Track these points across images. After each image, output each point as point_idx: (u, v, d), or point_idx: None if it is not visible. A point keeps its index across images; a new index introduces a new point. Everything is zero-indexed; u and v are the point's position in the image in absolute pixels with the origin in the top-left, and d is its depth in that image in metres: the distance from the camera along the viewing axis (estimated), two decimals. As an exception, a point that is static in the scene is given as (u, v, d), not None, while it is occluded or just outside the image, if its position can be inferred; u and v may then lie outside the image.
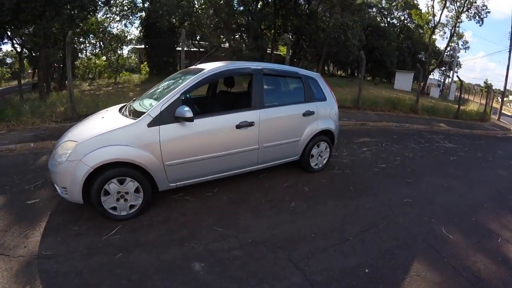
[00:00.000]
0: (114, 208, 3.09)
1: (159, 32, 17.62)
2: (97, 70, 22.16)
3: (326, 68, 30.56)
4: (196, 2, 18.41)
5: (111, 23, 21.08)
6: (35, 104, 8.66)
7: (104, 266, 2.47)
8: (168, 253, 2.67)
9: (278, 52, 24.99)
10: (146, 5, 18.49)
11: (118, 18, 19.61)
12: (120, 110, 3.78)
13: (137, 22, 22.06)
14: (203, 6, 18.28)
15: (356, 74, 30.48)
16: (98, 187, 2.93)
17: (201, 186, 3.81)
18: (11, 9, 8.74)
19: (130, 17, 19.96)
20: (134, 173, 3.07)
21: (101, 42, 24.29)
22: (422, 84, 22.38)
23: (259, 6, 18.13)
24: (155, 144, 3.10)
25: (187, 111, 3.11)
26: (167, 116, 3.17)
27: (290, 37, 19.81)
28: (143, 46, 23.64)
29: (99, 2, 13.10)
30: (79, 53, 22.13)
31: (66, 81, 17.83)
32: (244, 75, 4.37)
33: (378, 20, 34.20)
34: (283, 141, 4.13)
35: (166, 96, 3.25)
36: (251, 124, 3.69)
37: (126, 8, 18.59)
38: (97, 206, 3.01)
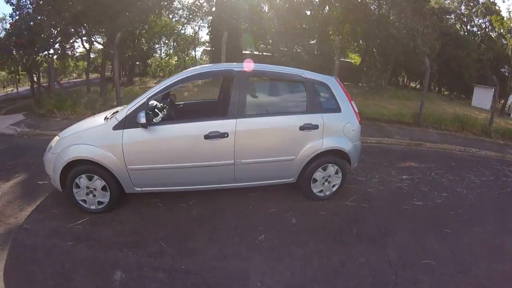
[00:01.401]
0: (85, 201, 3.30)
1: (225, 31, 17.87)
2: (168, 69, 23.44)
3: (399, 79, 27.30)
4: (262, 5, 18.16)
5: (184, 25, 22.23)
6: (93, 98, 9.58)
7: (54, 249, 2.75)
8: (104, 254, 2.71)
9: (347, 60, 23.42)
10: (213, 9, 18.95)
11: (185, 21, 20.52)
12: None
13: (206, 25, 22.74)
14: (268, 12, 18.02)
15: (432, 88, 26.73)
16: (70, 179, 3.19)
17: (180, 196, 3.63)
18: (74, 14, 9.85)
19: (198, 21, 20.78)
20: (101, 172, 3.18)
21: (175, 43, 25.90)
22: (500, 101, 18.37)
23: (326, 10, 17.15)
24: (118, 147, 3.12)
25: (141, 117, 2.98)
26: (131, 121, 3.12)
27: (361, 43, 18.37)
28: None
29: (157, 8, 13.66)
30: (153, 52, 23.85)
31: (134, 77, 19.54)
32: (223, 77, 3.78)
33: (457, 27, 29.39)
34: (270, 158, 3.45)
35: (134, 101, 3.24)
36: (223, 135, 3.20)
37: (193, 12, 19.31)
38: (71, 196, 3.28)
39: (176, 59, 25.14)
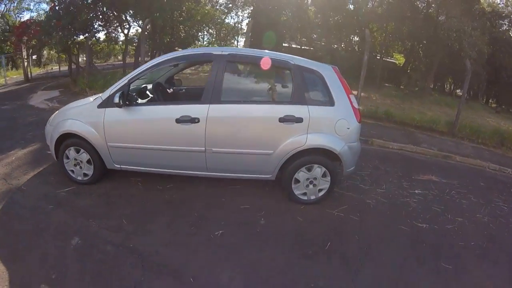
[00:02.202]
0: (73, 172, 3.47)
1: (263, 26, 17.35)
2: None
3: (446, 85, 24.37)
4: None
5: (224, 15, 22.00)
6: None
7: (37, 210, 3.00)
8: (73, 220, 2.86)
9: (391, 60, 21.68)
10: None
11: (226, 11, 20.26)
12: None
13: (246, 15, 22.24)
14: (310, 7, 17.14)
15: (480, 98, 23.66)
16: (62, 151, 3.41)
17: (161, 178, 3.59)
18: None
19: (237, 10, 20.36)
20: (86, 146, 3.30)
21: (218, 32, 25.87)
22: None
23: (369, 5, 15.86)
24: (100, 124, 3.20)
25: (116, 97, 3.06)
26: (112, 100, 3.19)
27: (406, 43, 16.76)
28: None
29: None
30: (195, 40, 23.94)
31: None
32: (203, 61, 3.45)
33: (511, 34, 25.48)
34: (243, 150, 3.12)
35: (118, 81, 3.26)
36: (194, 120, 3.02)
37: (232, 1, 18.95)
38: (62, 166, 3.48)
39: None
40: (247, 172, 3.29)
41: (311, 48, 17.90)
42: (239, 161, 3.19)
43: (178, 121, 3.02)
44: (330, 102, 3.10)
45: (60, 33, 9.40)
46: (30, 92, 9.37)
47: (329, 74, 3.16)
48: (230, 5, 19.47)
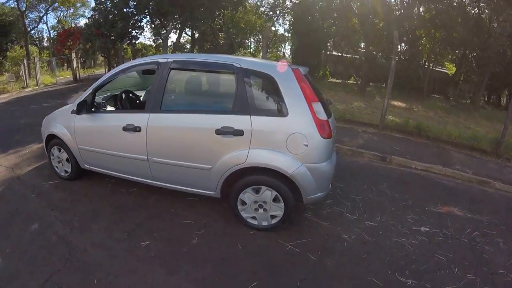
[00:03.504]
0: (57, 167, 3.74)
1: (303, 34, 16.50)
2: None
3: (502, 99, 20.22)
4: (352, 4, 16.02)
5: (265, 22, 21.60)
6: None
7: (22, 196, 3.34)
8: (42, 209, 3.09)
9: (442, 69, 19.11)
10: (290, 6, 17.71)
11: (267, 19, 19.79)
12: None
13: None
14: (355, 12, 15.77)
15: None
16: (48, 149, 3.72)
17: (130, 182, 3.36)
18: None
19: (278, 18, 19.77)
20: (65, 146, 3.48)
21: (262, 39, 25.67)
22: None
23: (415, 10, 13.95)
24: (72, 128, 3.35)
25: (75, 106, 3.23)
26: None
27: (457, 52, 14.47)
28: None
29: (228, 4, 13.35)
30: (240, 48, 23.94)
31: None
32: (152, 69, 3.02)
33: None
34: (181, 162, 2.76)
35: (86, 91, 3.31)
36: (136, 129, 2.86)
37: (273, 8, 18.41)
38: (50, 162, 3.83)
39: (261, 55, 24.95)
40: (189, 185, 2.91)
41: (348, 55, 16.62)
42: (179, 173, 2.85)
43: (124, 129, 2.92)
44: (282, 112, 2.41)
45: (102, 40, 9.90)
46: (72, 92, 9.97)
47: (284, 77, 2.46)
48: (271, 13, 18.98)
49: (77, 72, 14.07)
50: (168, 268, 2.31)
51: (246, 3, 18.17)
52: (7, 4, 19.67)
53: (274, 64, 2.61)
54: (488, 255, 2.71)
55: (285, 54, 28.99)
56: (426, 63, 15.92)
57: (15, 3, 18.56)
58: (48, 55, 19.98)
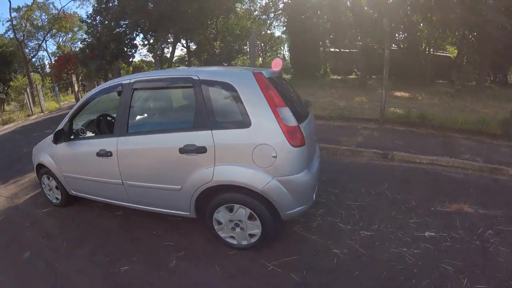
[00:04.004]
0: (49, 195, 3.78)
1: (299, 33, 16.14)
2: None
3: (508, 76, 18.94)
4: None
5: (259, 26, 21.34)
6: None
7: (17, 225, 3.43)
8: (33, 239, 3.13)
9: (444, 53, 18.29)
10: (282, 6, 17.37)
11: (262, 22, 19.59)
12: None
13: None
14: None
15: None
16: (39, 178, 3.81)
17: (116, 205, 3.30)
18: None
19: (272, 20, 19.50)
20: (53, 175, 3.49)
21: (262, 44, 25.45)
22: None
23: None
24: (55, 156, 3.36)
25: (52, 135, 3.22)
26: None
27: (456, 33, 13.71)
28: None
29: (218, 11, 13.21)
30: (237, 54, 23.79)
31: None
32: (118, 92, 2.91)
33: None
34: (153, 184, 2.64)
35: (64, 119, 3.29)
36: (107, 154, 2.79)
37: (266, 10, 18.17)
38: (42, 190, 3.89)
39: (261, 60, 24.70)
40: (164, 207, 2.77)
41: (343, 49, 16.16)
42: (152, 196, 2.72)
43: (97, 154, 2.85)
44: (244, 123, 2.16)
45: (96, 62, 9.97)
46: (74, 116, 9.99)
47: (245, 84, 2.23)
48: (264, 16, 18.77)
49: (79, 95, 14.24)
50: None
51: (238, 9, 18.03)
52: (6, 35, 20.17)
53: (235, 72, 2.43)
54: (504, 257, 2.36)
55: (285, 56, 28.69)
56: (427, 49, 15.27)
57: (13, 33, 18.98)
58: (50, 81, 20.39)
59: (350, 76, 18.45)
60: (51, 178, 3.58)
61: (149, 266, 2.51)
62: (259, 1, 19.41)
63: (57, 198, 3.68)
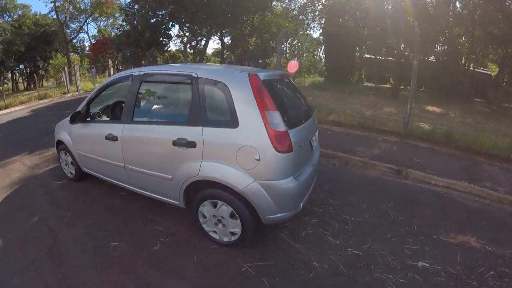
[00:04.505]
0: (65, 169, 4.15)
1: (336, 37, 15.70)
2: (285, 69, 22.68)
3: None
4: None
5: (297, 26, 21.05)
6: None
7: (33, 193, 3.85)
8: (44, 206, 3.51)
9: (484, 70, 16.88)
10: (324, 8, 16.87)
11: (299, 23, 19.25)
12: None
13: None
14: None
15: None
16: (58, 153, 4.18)
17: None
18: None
19: (309, 20, 19.08)
20: (69, 151, 3.84)
21: (300, 44, 25.17)
22: None
23: (450, 7, 12.35)
24: (72, 135, 3.70)
25: (69, 116, 3.57)
26: None
27: (501, 50, 12.55)
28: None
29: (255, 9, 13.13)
30: (274, 53, 23.68)
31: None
32: (123, 81, 3.17)
33: None
34: (149, 171, 2.80)
35: (83, 102, 3.59)
36: (113, 138, 3.01)
37: (302, 11, 17.80)
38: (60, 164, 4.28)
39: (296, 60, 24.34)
40: (158, 193, 2.92)
41: (390, 58, 15.48)
42: (148, 181, 2.89)
43: (106, 137, 3.07)
44: (233, 123, 2.19)
45: (131, 49, 10.39)
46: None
47: (238, 85, 2.24)
48: (302, 17, 18.46)
49: (115, 78, 14.83)
50: (123, 269, 2.42)
51: (275, 8, 17.89)
52: (49, 16, 21.51)
53: (231, 72, 2.47)
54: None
55: (321, 58, 28.17)
56: (466, 64, 14.24)
57: (55, 14, 20.20)
58: (88, 63, 21.62)
59: (385, 85, 17.76)
60: (67, 154, 3.92)
61: (136, 246, 2.69)
62: (298, 0, 19.14)
63: (71, 173, 4.03)
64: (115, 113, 3.71)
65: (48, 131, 6.60)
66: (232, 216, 2.39)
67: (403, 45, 13.32)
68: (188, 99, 2.50)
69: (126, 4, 12.88)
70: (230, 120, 2.22)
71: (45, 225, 3.10)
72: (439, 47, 14.12)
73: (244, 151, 2.15)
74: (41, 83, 19.67)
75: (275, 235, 2.76)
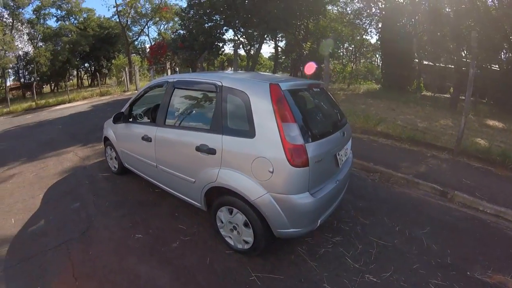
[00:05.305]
0: (109, 163, 4.65)
1: (393, 43, 14.78)
2: (342, 75, 21.94)
3: None
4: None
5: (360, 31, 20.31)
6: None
7: (79, 181, 4.39)
8: (86, 194, 3.98)
9: None
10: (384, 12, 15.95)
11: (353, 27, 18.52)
12: None
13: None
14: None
15: None
16: (105, 148, 4.69)
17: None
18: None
19: (366, 25, 18.20)
20: (113, 147, 4.28)
21: (356, 49, 24.28)
22: None
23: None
24: (116, 133, 4.14)
25: (113, 117, 4.02)
26: None
27: None
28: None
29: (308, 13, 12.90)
30: (331, 58, 22.95)
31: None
32: (160, 87, 3.40)
33: None
34: (176, 173, 2.98)
35: (126, 104, 3.96)
36: (148, 139, 3.27)
37: (358, 15, 17.05)
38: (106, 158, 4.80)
39: (351, 66, 23.42)
40: (183, 194, 3.07)
41: (451, 66, 14.17)
42: (175, 182, 3.06)
43: (143, 138, 3.34)
44: (250, 133, 2.20)
45: (186, 53, 11.11)
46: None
47: (258, 95, 2.25)
48: (358, 21, 17.77)
49: (171, 78, 15.94)
50: (140, 259, 2.64)
51: (330, 12, 17.50)
52: (113, 19, 23.82)
53: (253, 81, 2.45)
54: None
55: (379, 65, 26.80)
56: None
57: (118, 18, 22.26)
58: (148, 64, 23.49)
59: (445, 95, 16.26)
60: (112, 149, 4.35)
61: (157, 240, 2.91)
62: (355, 3, 18.45)
63: (115, 167, 4.49)
64: (153, 116, 3.97)
65: (103, 127, 7.39)
66: (246, 225, 2.42)
67: (464, 52, 12.06)
68: (212, 107, 2.60)
69: (182, 10, 13.79)
70: (248, 129, 2.25)
71: (84, 212, 3.49)
72: (503, 55, 12.47)
73: (259, 162, 2.17)
74: (104, 81, 21.94)
75: (292, 248, 2.71)
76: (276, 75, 3.49)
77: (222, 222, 2.66)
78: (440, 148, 6.04)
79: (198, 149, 2.57)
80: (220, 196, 2.56)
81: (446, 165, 5.22)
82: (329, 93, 3.31)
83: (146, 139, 3.27)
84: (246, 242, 2.50)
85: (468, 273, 2.56)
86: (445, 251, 2.82)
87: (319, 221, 2.35)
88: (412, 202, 3.91)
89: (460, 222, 3.44)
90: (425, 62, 17.06)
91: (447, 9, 12.79)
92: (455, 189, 4.18)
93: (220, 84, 2.55)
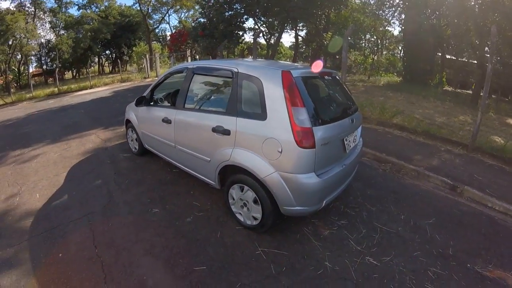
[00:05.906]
0: (130, 144, 4.90)
1: (417, 32, 14.24)
2: (363, 66, 21.49)
3: None
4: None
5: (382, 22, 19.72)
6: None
7: (101, 161, 4.68)
8: (108, 172, 4.24)
9: None
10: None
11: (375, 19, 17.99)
12: None
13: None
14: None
15: None
16: (126, 130, 4.91)
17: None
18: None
19: (386, 17, 17.64)
20: (134, 129, 4.52)
21: (379, 41, 23.69)
22: None
23: None
24: (137, 115, 4.36)
25: (135, 100, 4.23)
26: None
27: None
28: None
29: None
30: (351, 49, 22.40)
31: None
32: (180, 73, 3.58)
33: None
34: (193, 152, 3.20)
35: (148, 89, 4.16)
36: (168, 121, 3.49)
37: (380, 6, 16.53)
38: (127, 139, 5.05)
39: (372, 58, 22.84)
40: (199, 172, 3.28)
41: (473, 62, 13.66)
42: (192, 161, 3.27)
43: (163, 120, 3.55)
44: (262, 116, 2.38)
45: (206, 41, 11.25)
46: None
47: (271, 81, 2.41)
48: (380, 12, 17.29)
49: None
50: (156, 231, 2.85)
51: (352, 2, 17.10)
52: (134, 7, 24.12)
53: (267, 68, 2.59)
54: None
55: (401, 57, 26.06)
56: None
57: (139, 6, 22.53)
58: (168, 51, 23.83)
59: (467, 91, 15.72)
60: (133, 131, 4.59)
61: (172, 215, 3.14)
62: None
63: (135, 148, 4.74)
64: (173, 100, 4.18)
65: (124, 110, 7.69)
66: (255, 202, 2.60)
67: (488, 47, 11.58)
68: (228, 91, 2.78)
69: (203, -2, 13.95)
70: (260, 112, 2.43)
71: (105, 188, 3.74)
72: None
73: (269, 143, 2.34)
74: (125, 68, 22.53)
75: (299, 228, 2.87)
76: (293, 63, 3.58)
77: (233, 199, 2.86)
78: (455, 143, 5.96)
79: (214, 130, 2.76)
80: (232, 174, 2.75)
81: (459, 160, 5.17)
82: (341, 81, 3.39)
83: (166, 121, 3.48)
84: (255, 219, 2.68)
85: (469, 265, 2.59)
86: (447, 243, 2.87)
87: (324, 201, 2.49)
88: (420, 193, 3.94)
89: (467, 217, 3.45)
90: (448, 56, 16.49)
91: (472, 2, 12.25)
92: (465, 184, 4.17)
93: (236, 70, 2.73)
